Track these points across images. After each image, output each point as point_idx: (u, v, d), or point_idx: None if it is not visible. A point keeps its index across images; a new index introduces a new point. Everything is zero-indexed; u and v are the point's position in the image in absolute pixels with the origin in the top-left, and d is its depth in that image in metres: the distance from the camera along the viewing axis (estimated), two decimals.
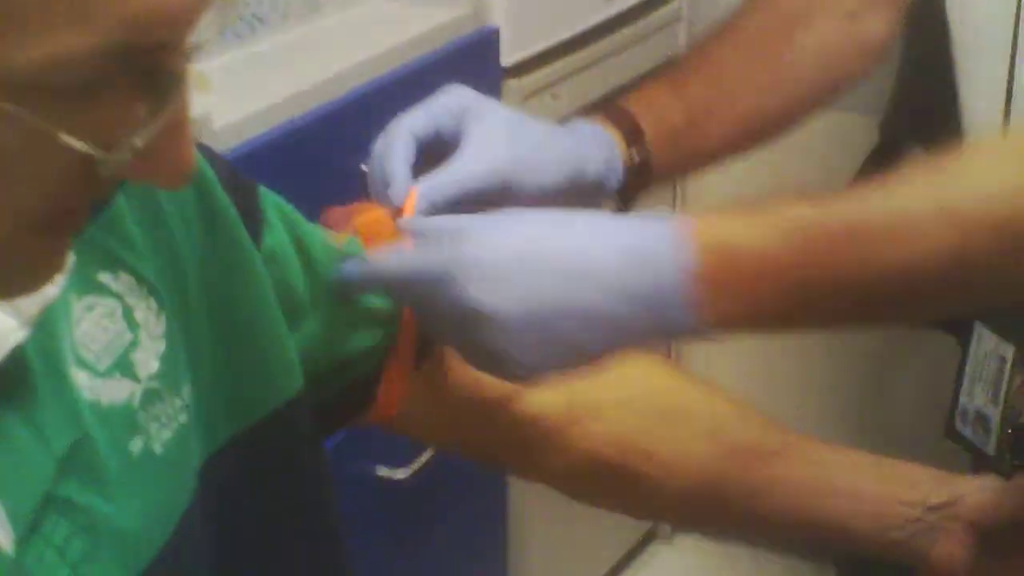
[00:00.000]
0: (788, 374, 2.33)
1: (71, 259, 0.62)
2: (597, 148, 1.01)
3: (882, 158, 1.92)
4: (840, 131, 2.11)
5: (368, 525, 1.56)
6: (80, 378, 0.65)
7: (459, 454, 0.93)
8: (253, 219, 0.79)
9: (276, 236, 0.80)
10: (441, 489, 1.65)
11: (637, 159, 1.03)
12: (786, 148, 2.17)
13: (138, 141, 0.55)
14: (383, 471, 1.52)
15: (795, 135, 2.14)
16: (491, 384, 0.86)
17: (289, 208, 0.84)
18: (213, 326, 0.74)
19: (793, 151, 2.12)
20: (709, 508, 0.93)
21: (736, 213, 0.76)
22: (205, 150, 0.75)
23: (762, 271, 0.74)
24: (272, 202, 0.82)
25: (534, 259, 0.74)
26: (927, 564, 0.92)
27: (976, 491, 0.91)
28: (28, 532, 0.59)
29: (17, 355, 0.60)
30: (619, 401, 0.92)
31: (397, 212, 0.88)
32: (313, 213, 0.87)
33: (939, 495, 0.91)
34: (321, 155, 1.42)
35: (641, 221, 0.77)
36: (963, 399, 1.15)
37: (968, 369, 1.14)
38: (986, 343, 1.12)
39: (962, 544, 0.91)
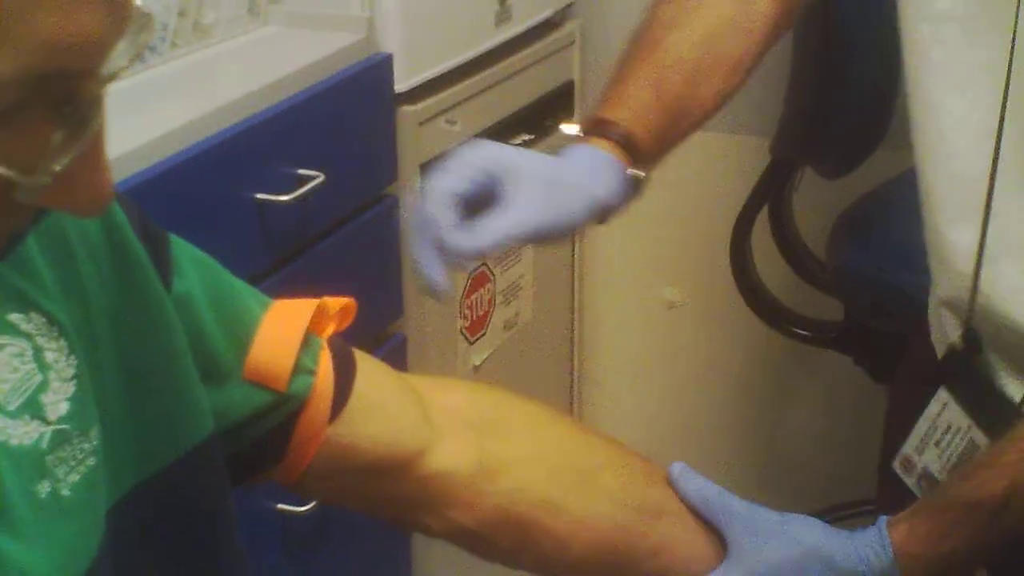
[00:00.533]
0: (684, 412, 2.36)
1: None
2: (606, 176, 1.05)
3: (774, 176, 1.95)
4: (734, 152, 2.13)
5: (271, 560, 1.53)
6: None
7: (364, 512, 0.92)
8: (164, 264, 0.77)
9: (188, 283, 0.79)
10: (343, 520, 1.63)
11: (639, 174, 1.08)
12: (683, 169, 2.21)
13: (56, 166, 0.56)
14: (284, 507, 1.50)
15: (692, 157, 2.17)
16: (400, 441, 0.86)
17: (210, 261, 0.83)
18: (121, 369, 0.73)
19: (690, 171, 2.15)
20: (613, 566, 0.93)
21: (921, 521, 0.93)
22: (116, 193, 0.74)
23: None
24: (187, 252, 0.81)
25: None
26: None
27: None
28: None
29: None
30: (530, 457, 0.92)
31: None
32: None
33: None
34: (214, 185, 1.40)
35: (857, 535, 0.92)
36: (908, 451, 1.17)
37: (922, 428, 1.16)
38: (952, 416, 1.14)
39: None
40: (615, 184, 1.05)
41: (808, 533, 0.92)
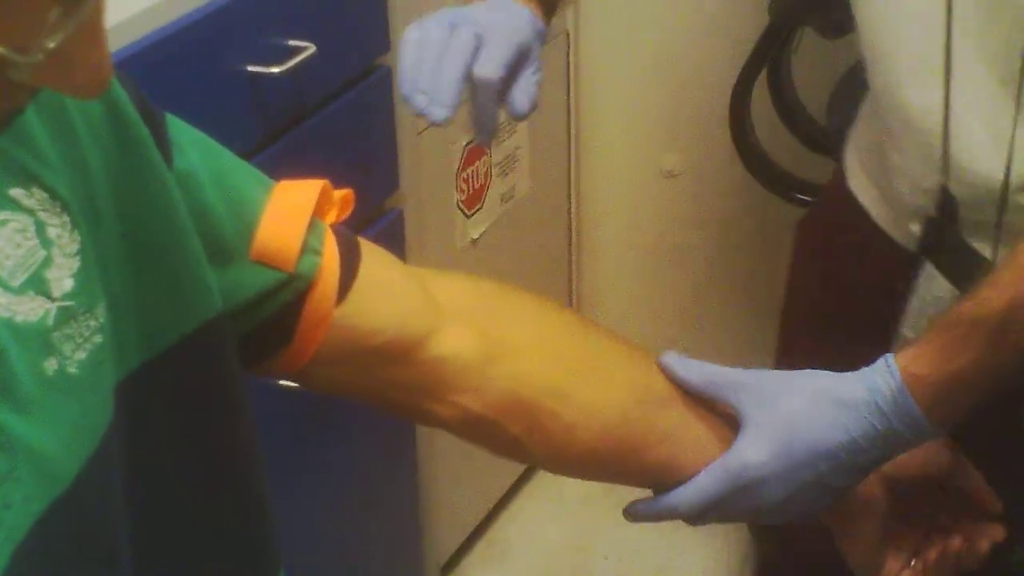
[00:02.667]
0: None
1: None
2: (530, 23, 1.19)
3: (773, 39, 1.92)
4: (731, 15, 2.10)
5: (275, 437, 1.53)
6: None
7: (369, 402, 0.91)
8: (163, 143, 0.76)
9: (189, 162, 0.77)
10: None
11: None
12: (679, 34, 2.18)
13: (51, 43, 0.54)
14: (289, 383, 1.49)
15: (688, 22, 2.14)
16: (406, 324, 0.85)
17: (209, 141, 0.81)
18: (125, 247, 0.72)
19: (686, 37, 2.12)
20: (623, 454, 0.93)
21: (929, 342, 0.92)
22: (115, 69, 0.72)
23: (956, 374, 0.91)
24: (186, 132, 0.79)
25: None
26: (838, 511, 0.94)
27: None
28: None
29: None
30: (535, 345, 0.91)
31: None
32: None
33: None
34: (205, 59, 1.38)
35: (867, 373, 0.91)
36: (904, 331, 1.17)
37: (914, 306, 1.16)
38: (938, 288, 1.14)
39: (874, 493, 0.94)
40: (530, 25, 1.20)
41: (813, 379, 0.92)
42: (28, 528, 0.61)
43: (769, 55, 1.92)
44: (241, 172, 0.81)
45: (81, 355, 0.67)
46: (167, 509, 0.75)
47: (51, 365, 0.65)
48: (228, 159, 0.81)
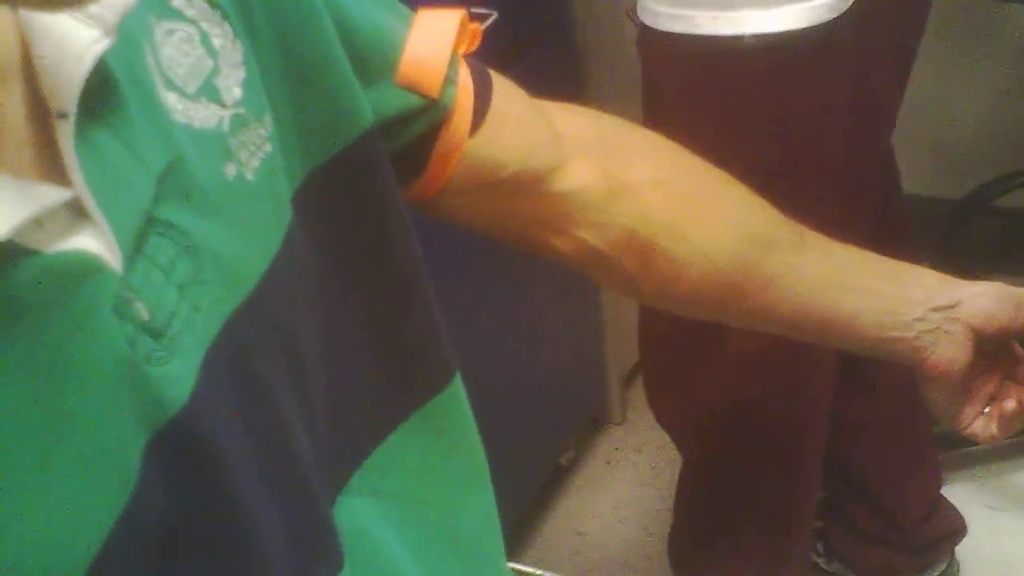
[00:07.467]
0: None
1: None
2: None
3: None
4: None
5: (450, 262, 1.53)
6: (170, 99, 0.62)
7: (492, 234, 0.90)
8: None
9: None
10: None
11: None
12: None
13: None
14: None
15: None
16: (535, 157, 0.85)
17: None
18: (282, 61, 0.71)
19: None
20: (725, 296, 0.92)
21: None
22: None
23: None
24: None
25: None
26: (927, 366, 0.93)
27: (976, 295, 0.93)
28: (133, 252, 0.57)
29: (103, 68, 0.57)
30: (653, 182, 0.90)
31: None
32: None
33: (943, 297, 0.93)
34: None
35: None
36: None
37: None
38: None
39: (961, 347, 0.93)
40: None
41: None
42: (218, 329, 0.62)
43: None
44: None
45: (255, 163, 0.66)
46: (344, 317, 0.75)
47: (231, 170, 0.65)
48: None
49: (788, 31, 1.30)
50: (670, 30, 1.35)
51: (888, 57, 1.51)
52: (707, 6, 1.31)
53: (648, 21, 1.37)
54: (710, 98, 1.37)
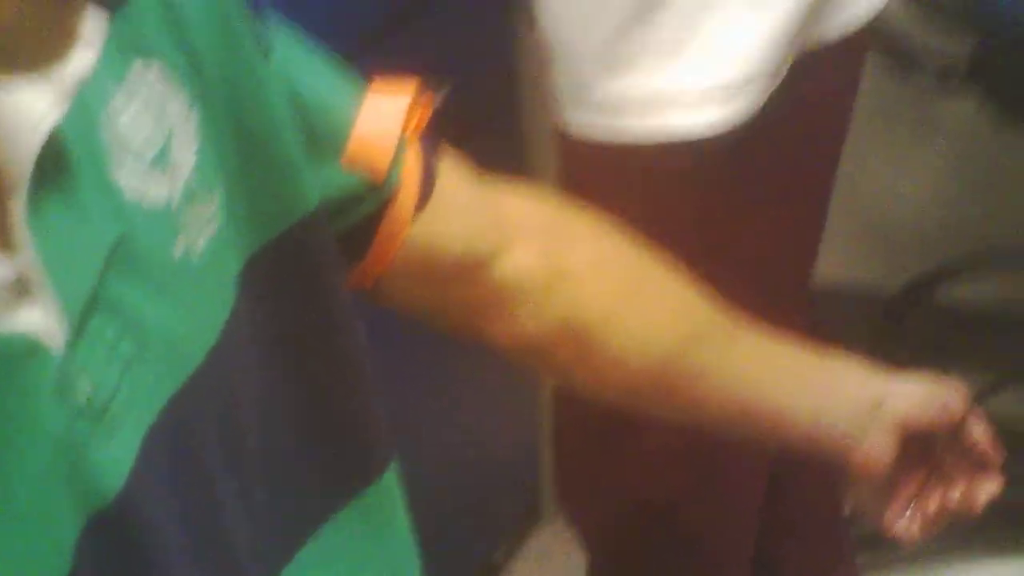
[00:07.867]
0: None
1: (99, 33, 0.58)
2: None
3: None
4: None
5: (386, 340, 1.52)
6: (122, 175, 0.62)
7: (428, 320, 0.89)
8: (259, 36, 0.73)
9: (284, 55, 0.75)
10: None
11: None
12: None
13: None
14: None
15: None
16: (475, 244, 0.84)
17: (298, 36, 0.79)
18: (233, 134, 0.70)
19: None
20: (658, 387, 0.92)
21: None
22: None
23: None
24: (278, 27, 0.77)
25: None
26: (852, 461, 0.92)
27: (904, 391, 0.92)
28: (78, 328, 0.57)
29: (56, 139, 0.56)
30: (592, 268, 0.90)
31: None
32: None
33: (871, 390, 0.92)
34: None
35: None
36: None
37: None
38: None
39: (887, 443, 0.92)
40: None
41: None
42: (160, 407, 0.61)
43: None
44: (334, 70, 0.80)
45: (203, 241, 0.66)
46: (284, 399, 0.75)
47: (178, 249, 0.64)
48: (321, 57, 0.79)
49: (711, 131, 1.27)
50: (601, 140, 1.28)
51: (815, 147, 1.47)
52: (633, 113, 1.26)
53: (582, 132, 1.30)
54: (629, 197, 1.33)
